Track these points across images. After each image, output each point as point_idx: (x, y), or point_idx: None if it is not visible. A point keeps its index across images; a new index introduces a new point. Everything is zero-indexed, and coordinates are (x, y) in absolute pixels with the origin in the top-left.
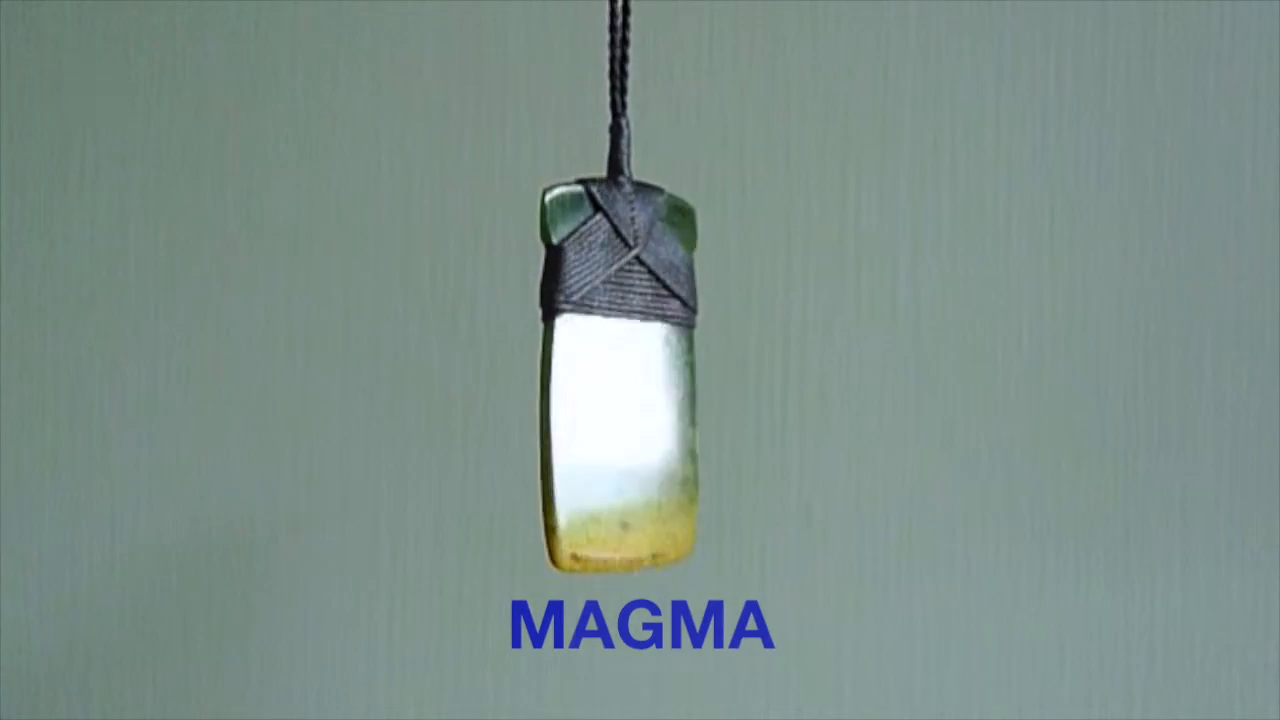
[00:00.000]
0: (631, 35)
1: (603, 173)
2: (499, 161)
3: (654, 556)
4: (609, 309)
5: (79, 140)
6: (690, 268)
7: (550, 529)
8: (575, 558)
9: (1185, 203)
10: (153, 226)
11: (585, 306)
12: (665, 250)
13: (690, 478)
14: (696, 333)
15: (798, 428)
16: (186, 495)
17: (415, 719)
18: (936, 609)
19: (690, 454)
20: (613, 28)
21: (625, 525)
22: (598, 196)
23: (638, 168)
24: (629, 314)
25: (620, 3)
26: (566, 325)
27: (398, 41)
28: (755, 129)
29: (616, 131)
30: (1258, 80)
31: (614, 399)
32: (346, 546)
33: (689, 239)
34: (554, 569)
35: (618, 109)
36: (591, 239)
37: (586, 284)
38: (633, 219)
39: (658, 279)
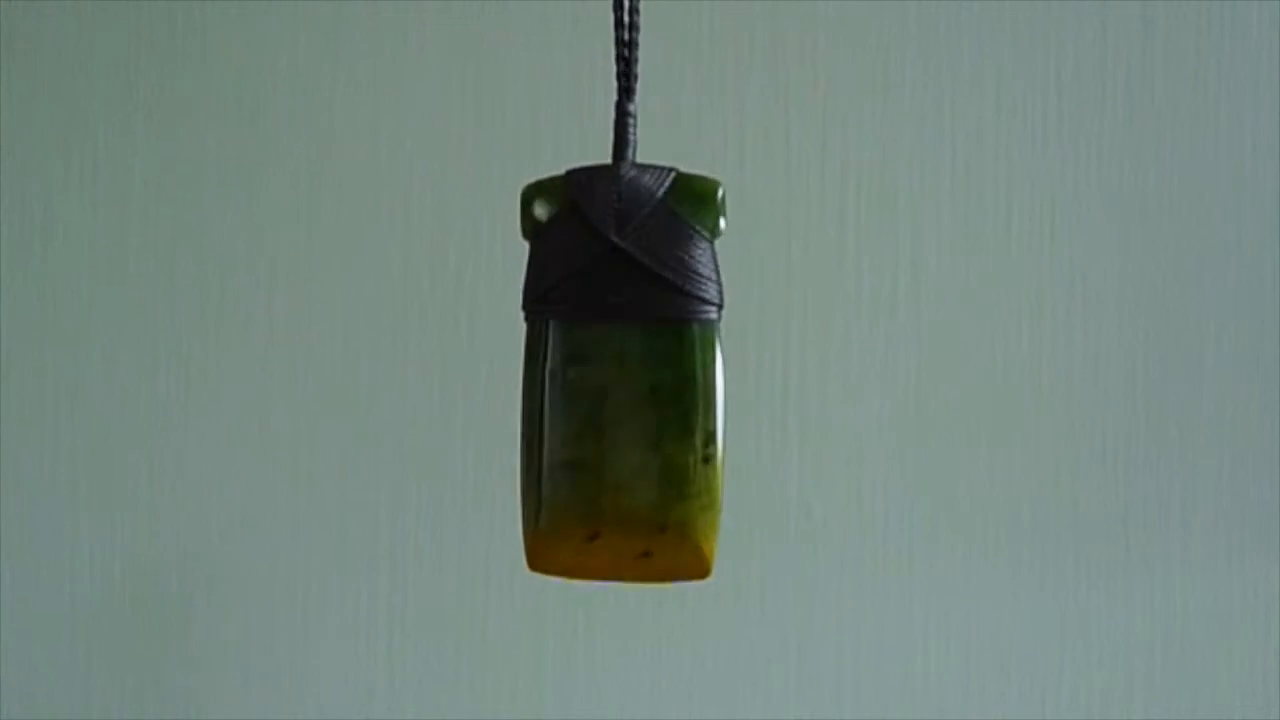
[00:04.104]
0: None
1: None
2: (499, 161)
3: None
4: (579, 307)
5: (78, 141)
6: (702, 254)
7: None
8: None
9: (1185, 203)
10: (152, 227)
11: (551, 305)
12: (662, 238)
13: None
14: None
15: (798, 428)
16: (185, 495)
17: (415, 719)
18: (936, 609)
19: (661, 471)
20: (619, 7)
21: (594, 536)
22: (575, 185)
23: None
24: (603, 311)
25: None
26: (535, 325)
27: (398, 41)
28: (755, 129)
29: (622, 114)
30: (1258, 80)
31: (587, 403)
32: (346, 546)
33: (706, 222)
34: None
35: (626, 92)
36: (559, 232)
37: (548, 281)
38: (616, 207)
39: (647, 271)
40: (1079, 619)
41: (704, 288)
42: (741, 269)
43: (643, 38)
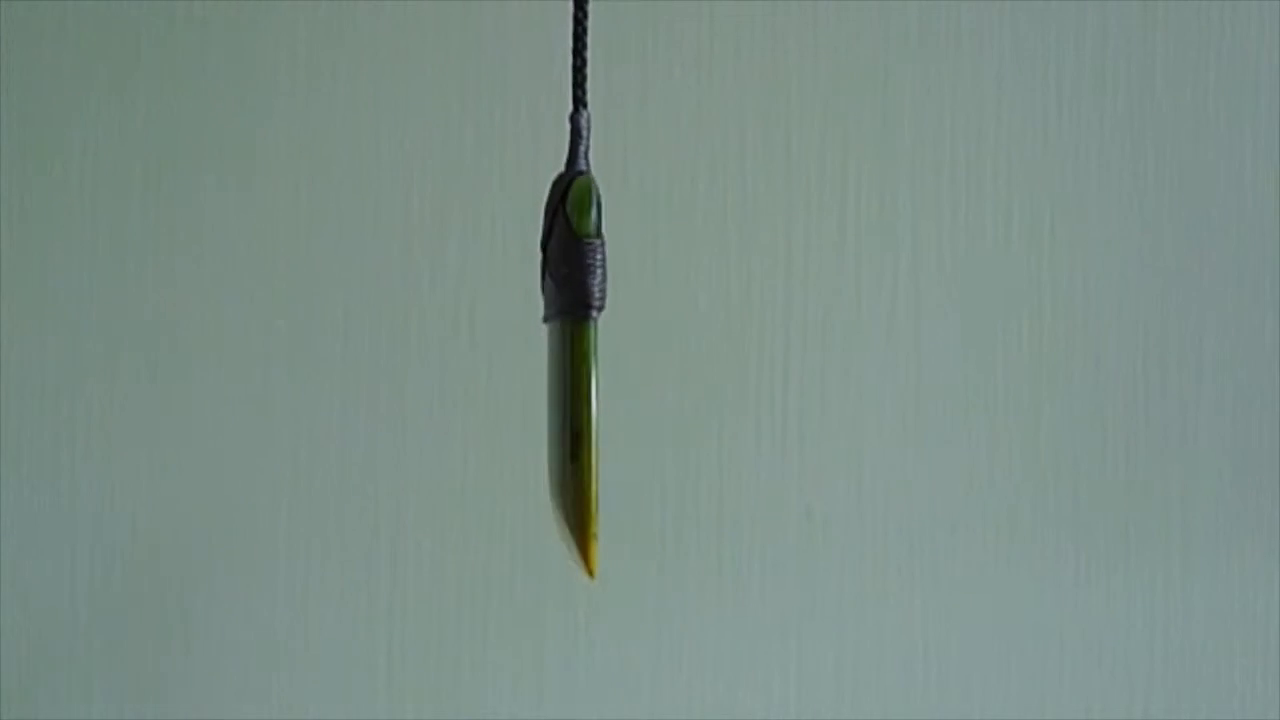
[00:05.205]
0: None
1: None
2: (499, 161)
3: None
4: (546, 310)
5: (79, 140)
6: (576, 253)
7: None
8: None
9: (1185, 202)
10: (151, 225)
11: (544, 309)
12: (558, 241)
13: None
14: (693, 331)
15: (798, 428)
16: (186, 495)
17: (415, 719)
18: (936, 609)
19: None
20: (577, 19)
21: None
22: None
23: (639, 168)
24: (550, 313)
25: None
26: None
27: (398, 40)
28: (755, 129)
29: (574, 126)
30: (1258, 80)
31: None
32: (346, 546)
33: (581, 221)
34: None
35: (579, 102)
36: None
37: (540, 287)
38: (551, 213)
39: (551, 275)
40: (1079, 619)
41: (574, 287)
42: (742, 269)
43: (643, 38)
